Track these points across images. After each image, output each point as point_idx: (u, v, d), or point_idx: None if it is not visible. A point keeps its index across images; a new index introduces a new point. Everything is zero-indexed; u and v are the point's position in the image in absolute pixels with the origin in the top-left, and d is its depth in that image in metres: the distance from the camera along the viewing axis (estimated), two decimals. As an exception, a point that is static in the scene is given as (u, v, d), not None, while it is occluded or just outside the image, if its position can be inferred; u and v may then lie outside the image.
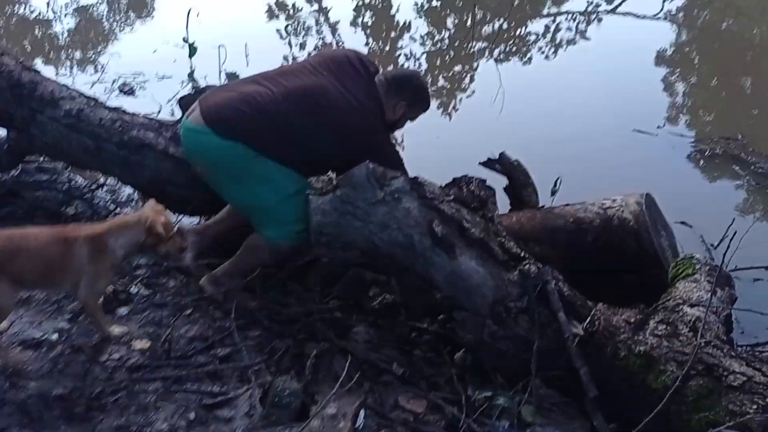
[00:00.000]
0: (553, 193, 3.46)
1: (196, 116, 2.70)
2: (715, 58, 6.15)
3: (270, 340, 2.62)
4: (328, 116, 2.66)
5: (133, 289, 2.82)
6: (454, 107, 5.64)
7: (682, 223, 3.53)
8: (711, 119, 4.84)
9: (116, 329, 2.52)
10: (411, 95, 2.84)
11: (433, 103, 5.67)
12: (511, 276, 2.51)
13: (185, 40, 4.49)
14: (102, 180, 3.67)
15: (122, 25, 6.37)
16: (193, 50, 4.46)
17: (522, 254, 2.58)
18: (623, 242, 2.86)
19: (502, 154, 3.24)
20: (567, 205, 3.05)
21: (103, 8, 6.73)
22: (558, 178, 3.46)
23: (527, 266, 2.51)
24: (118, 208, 3.53)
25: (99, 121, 3.20)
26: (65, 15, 6.56)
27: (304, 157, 2.67)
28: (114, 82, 4.68)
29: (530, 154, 3.37)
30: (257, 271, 2.87)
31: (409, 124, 2.99)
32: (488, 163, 3.26)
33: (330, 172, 2.61)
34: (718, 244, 3.36)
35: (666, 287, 2.75)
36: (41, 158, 3.66)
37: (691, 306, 2.48)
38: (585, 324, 2.46)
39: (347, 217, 2.58)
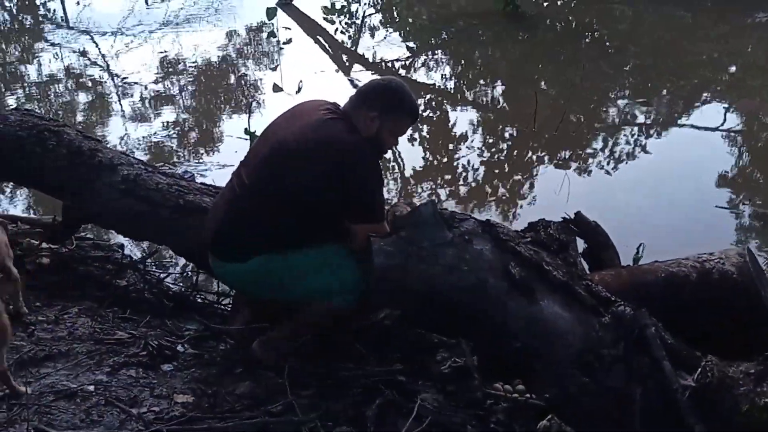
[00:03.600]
0: (636, 261, 3.16)
1: (210, 256, 2.55)
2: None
3: (326, 400, 2.31)
4: (299, 163, 2.38)
5: (180, 348, 2.59)
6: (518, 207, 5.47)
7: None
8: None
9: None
10: (380, 103, 2.44)
11: (494, 209, 5.56)
12: (602, 320, 2.20)
13: (247, 131, 4.51)
14: (152, 249, 3.55)
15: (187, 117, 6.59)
16: (254, 140, 4.44)
17: (612, 298, 2.28)
18: (726, 297, 2.52)
19: (578, 214, 3.00)
20: (656, 261, 2.76)
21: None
22: (641, 245, 3.17)
23: (621, 308, 2.20)
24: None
25: (155, 185, 3.12)
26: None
27: (320, 222, 2.44)
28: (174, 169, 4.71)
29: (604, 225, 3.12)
30: (312, 333, 2.62)
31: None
32: (563, 225, 3.01)
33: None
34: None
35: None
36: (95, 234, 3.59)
37: (821, 354, 2.11)
38: (696, 375, 2.10)
39: (412, 259, 2.35)
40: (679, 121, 6.84)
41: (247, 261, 2.42)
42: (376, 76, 7.85)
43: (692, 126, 6.52)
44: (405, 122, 2.55)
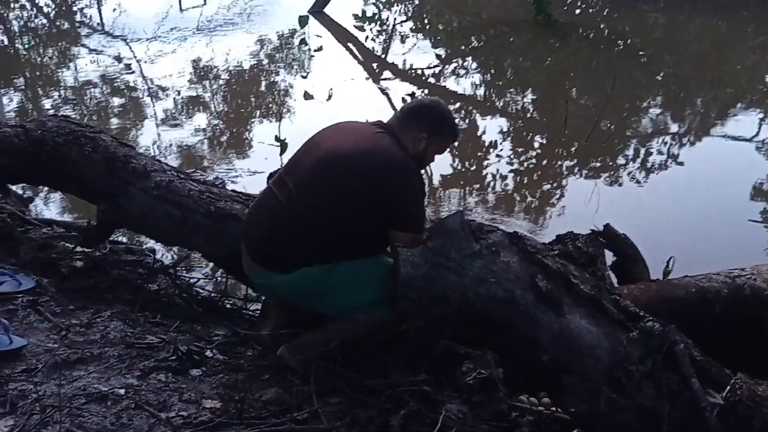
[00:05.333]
0: (666, 274, 3.13)
1: (251, 265, 2.59)
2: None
3: (352, 409, 2.33)
4: (352, 172, 2.45)
5: (208, 353, 2.62)
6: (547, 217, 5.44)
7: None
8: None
9: None
10: (429, 124, 2.56)
11: (523, 219, 5.52)
12: (630, 336, 2.18)
13: (277, 138, 4.56)
14: (183, 255, 3.60)
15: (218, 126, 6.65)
16: (284, 147, 4.50)
17: (641, 313, 2.26)
18: (757, 313, 2.49)
19: (607, 226, 2.98)
20: (686, 276, 2.73)
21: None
22: (671, 258, 3.14)
23: (649, 324, 2.18)
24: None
25: (187, 191, 3.17)
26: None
27: (368, 233, 2.48)
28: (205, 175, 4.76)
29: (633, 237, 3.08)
30: (344, 341, 2.64)
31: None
32: (592, 237, 2.99)
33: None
34: None
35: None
36: (128, 238, 3.65)
37: None
38: (725, 393, 2.07)
39: (439, 270, 2.36)
40: (712, 131, 6.75)
41: (294, 271, 2.46)
42: (406, 84, 7.92)
43: (726, 136, 6.43)
44: (448, 143, 2.70)
